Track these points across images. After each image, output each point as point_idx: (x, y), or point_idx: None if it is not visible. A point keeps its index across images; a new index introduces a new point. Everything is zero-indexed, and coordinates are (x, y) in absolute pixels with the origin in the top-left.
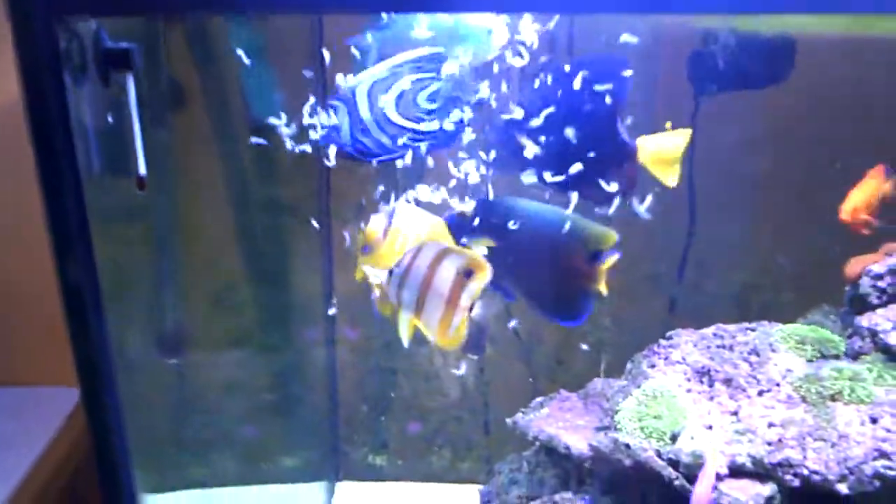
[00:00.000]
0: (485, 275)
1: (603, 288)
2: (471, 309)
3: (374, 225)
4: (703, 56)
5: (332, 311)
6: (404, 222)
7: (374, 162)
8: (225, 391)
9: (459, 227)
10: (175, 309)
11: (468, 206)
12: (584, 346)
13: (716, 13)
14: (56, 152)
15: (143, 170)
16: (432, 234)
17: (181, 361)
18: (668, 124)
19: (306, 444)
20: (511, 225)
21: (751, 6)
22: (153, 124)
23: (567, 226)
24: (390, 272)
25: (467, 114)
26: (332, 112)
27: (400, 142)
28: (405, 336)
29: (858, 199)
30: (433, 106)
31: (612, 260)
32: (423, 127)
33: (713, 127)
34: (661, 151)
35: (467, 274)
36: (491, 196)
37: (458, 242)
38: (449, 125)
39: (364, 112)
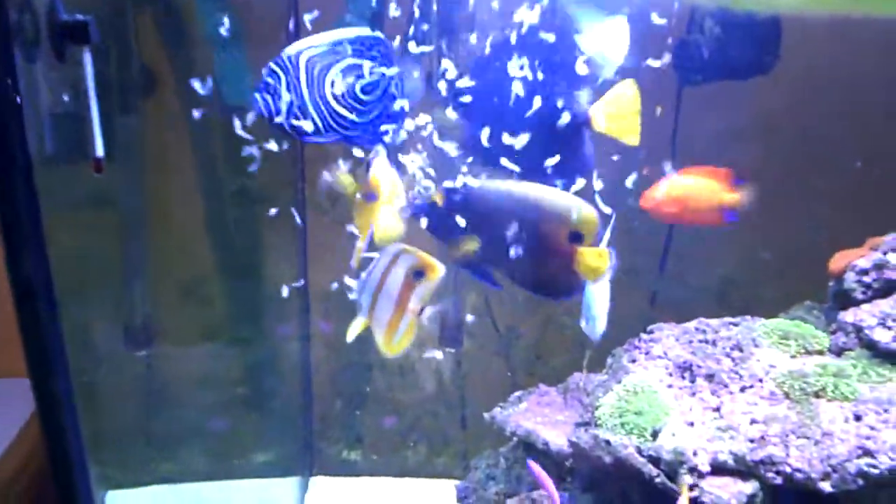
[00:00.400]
0: (435, 276)
1: (588, 272)
2: (420, 312)
3: (378, 171)
4: (689, 46)
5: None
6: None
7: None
8: (195, 385)
9: (431, 216)
10: (142, 300)
11: (438, 194)
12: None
13: None
14: (6, 133)
15: (100, 151)
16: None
17: (149, 354)
18: (659, 110)
19: (279, 438)
20: (486, 209)
21: None
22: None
23: (544, 201)
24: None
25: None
26: (271, 79)
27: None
28: (350, 334)
29: (668, 193)
30: (368, 98)
31: (605, 256)
32: (354, 118)
33: (697, 117)
34: (617, 110)
35: (417, 275)
36: (460, 182)
37: (432, 231)
38: (380, 121)
39: (303, 86)
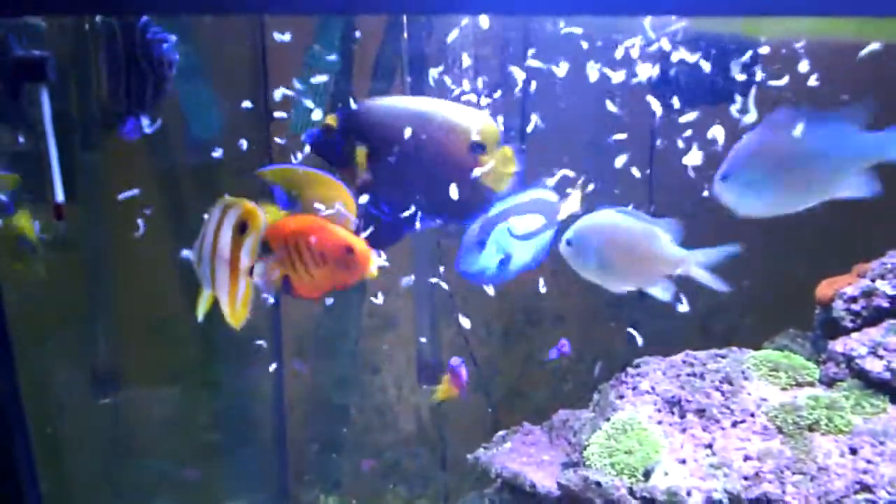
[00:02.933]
0: (258, 225)
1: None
2: (251, 272)
3: None
4: (666, 71)
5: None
6: None
7: None
8: (164, 431)
9: (325, 144)
10: (108, 343)
11: (331, 117)
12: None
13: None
14: None
15: (60, 197)
16: None
17: (115, 399)
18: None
19: (253, 484)
20: (381, 126)
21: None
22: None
23: (439, 114)
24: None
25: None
26: None
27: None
28: (200, 311)
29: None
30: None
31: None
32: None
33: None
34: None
35: (242, 229)
36: (354, 104)
37: (329, 160)
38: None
39: None
